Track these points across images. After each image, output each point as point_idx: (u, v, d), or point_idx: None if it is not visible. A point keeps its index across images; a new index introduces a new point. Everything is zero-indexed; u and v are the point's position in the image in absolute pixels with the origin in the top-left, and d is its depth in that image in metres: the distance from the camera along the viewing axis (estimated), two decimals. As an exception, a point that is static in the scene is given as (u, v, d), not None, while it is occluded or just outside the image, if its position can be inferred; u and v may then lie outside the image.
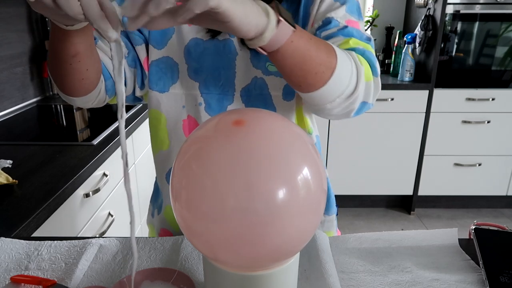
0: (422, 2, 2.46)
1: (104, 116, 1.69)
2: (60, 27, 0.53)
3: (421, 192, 2.66)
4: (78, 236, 1.16)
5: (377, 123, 2.49)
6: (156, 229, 0.88)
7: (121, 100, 0.46)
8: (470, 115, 2.48)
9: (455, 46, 2.45)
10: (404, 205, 2.80)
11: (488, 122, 2.48)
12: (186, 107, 0.75)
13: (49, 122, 1.75)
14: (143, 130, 1.74)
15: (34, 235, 0.89)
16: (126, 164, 0.47)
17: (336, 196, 0.92)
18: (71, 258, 0.66)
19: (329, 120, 2.50)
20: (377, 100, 2.52)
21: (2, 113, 1.73)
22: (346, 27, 0.65)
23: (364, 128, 2.51)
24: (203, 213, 0.43)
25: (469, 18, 2.38)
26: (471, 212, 2.75)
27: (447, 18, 2.39)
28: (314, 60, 0.54)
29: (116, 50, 0.45)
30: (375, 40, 2.79)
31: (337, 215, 0.89)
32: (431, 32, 2.42)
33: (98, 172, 1.28)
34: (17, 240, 0.70)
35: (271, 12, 0.47)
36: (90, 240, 0.70)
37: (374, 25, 2.79)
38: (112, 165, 1.39)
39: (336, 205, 0.89)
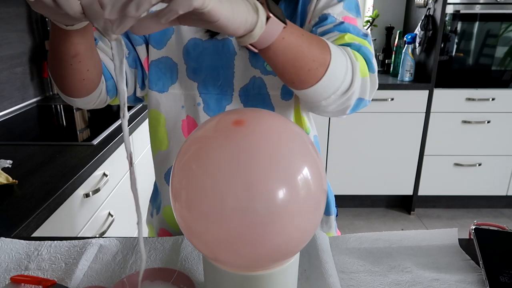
0: (422, 2, 2.46)
1: (104, 116, 1.69)
2: (60, 27, 0.53)
3: (421, 192, 2.66)
4: (78, 236, 1.16)
5: (377, 123, 2.49)
6: (155, 229, 0.89)
7: (123, 99, 0.46)
8: (470, 115, 2.48)
9: (455, 46, 2.45)
10: (404, 205, 2.80)
11: (488, 122, 2.48)
12: (185, 107, 0.75)
13: (49, 122, 1.75)
14: (143, 130, 1.74)
15: (34, 235, 0.89)
16: (131, 164, 0.47)
17: (336, 196, 0.92)
18: (71, 258, 0.66)
19: (329, 120, 2.50)
20: (377, 100, 2.51)
21: (2, 113, 1.73)
22: (342, 23, 0.64)
23: (364, 128, 2.51)
24: (203, 213, 0.43)
25: (469, 18, 2.38)
26: (471, 212, 2.75)
27: (447, 18, 2.39)
28: (307, 56, 0.53)
29: (117, 49, 0.45)
30: (375, 40, 2.79)
31: (337, 216, 0.89)
32: (431, 32, 2.42)
33: (98, 172, 1.28)
34: (17, 240, 0.70)
35: (261, 8, 0.46)
36: (90, 240, 0.70)
37: (374, 25, 2.79)
38: (112, 165, 1.39)
39: (336, 206, 0.89)
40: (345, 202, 2.77)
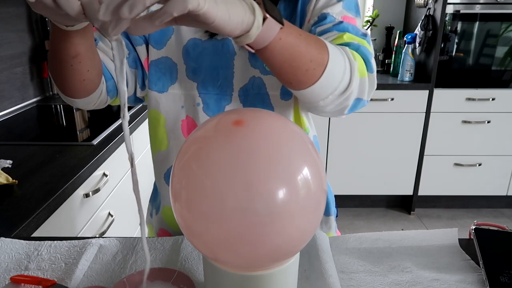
0: (422, 2, 2.46)
1: (104, 116, 1.69)
2: (60, 27, 0.53)
3: (421, 192, 2.66)
4: (78, 236, 1.16)
5: (377, 123, 2.49)
6: (155, 229, 0.89)
7: (124, 99, 0.45)
8: (470, 115, 2.48)
9: (455, 46, 2.45)
10: (404, 205, 2.80)
11: (488, 122, 2.48)
12: (185, 107, 0.75)
13: (49, 122, 1.75)
14: (143, 130, 1.74)
15: (34, 235, 0.89)
16: (132, 165, 0.46)
17: (336, 196, 0.92)
18: (71, 258, 0.65)
19: (329, 120, 2.50)
20: (377, 100, 2.51)
21: (2, 113, 1.73)
22: (341, 22, 0.64)
23: (364, 128, 2.51)
24: (203, 213, 0.43)
25: (469, 18, 2.38)
26: (471, 212, 2.75)
27: (447, 18, 2.39)
28: (304, 56, 0.53)
29: (117, 49, 0.45)
30: (374, 40, 2.79)
31: (336, 216, 0.89)
32: (431, 32, 2.42)
33: (98, 172, 1.28)
34: (17, 240, 0.70)
35: (257, 9, 0.46)
36: (90, 240, 0.70)
37: (374, 25, 2.79)
38: (112, 165, 1.39)
39: (336, 207, 0.88)
40: (345, 202, 2.76)
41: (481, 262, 0.63)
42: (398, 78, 2.53)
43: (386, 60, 2.75)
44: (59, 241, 0.69)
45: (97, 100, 0.73)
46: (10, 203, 0.94)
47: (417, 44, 2.48)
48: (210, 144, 0.44)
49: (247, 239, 0.42)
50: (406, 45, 2.48)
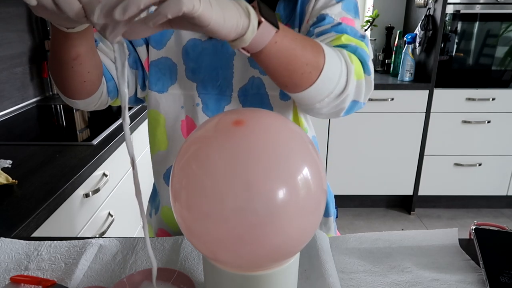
0: (422, 2, 2.46)
1: (104, 116, 1.69)
2: (61, 29, 0.53)
3: (421, 192, 2.66)
4: (78, 236, 1.16)
5: (377, 123, 2.49)
6: (154, 229, 0.89)
7: (125, 102, 0.45)
8: (470, 115, 2.48)
9: (455, 46, 2.45)
10: (404, 205, 2.80)
11: (488, 122, 2.48)
12: (184, 108, 0.75)
13: (49, 122, 1.75)
14: (143, 131, 1.74)
15: (34, 235, 0.89)
16: (133, 167, 0.46)
17: (336, 196, 0.91)
18: (71, 258, 0.65)
19: (329, 120, 2.50)
20: (377, 100, 2.50)
21: (2, 113, 1.72)
22: (340, 24, 0.64)
23: (364, 128, 2.51)
24: (203, 213, 0.43)
25: (469, 18, 2.38)
26: (471, 212, 2.75)
27: (447, 18, 2.39)
28: (300, 60, 0.53)
29: (119, 51, 0.44)
30: (375, 40, 2.79)
31: (336, 217, 0.88)
32: (431, 32, 2.41)
33: (98, 172, 1.28)
34: (17, 240, 0.70)
35: (252, 12, 0.46)
36: (90, 240, 0.70)
37: (374, 25, 2.79)
38: (112, 165, 1.39)
39: (336, 208, 0.88)
40: (345, 202, 2.76)
41: (481, 262, 0.63)
42: (398, 78, 2.53)
43: (386, 60, 2.75)
44: (59, 241, 0.69)
45: (97, 101, 0.73)
46: (10, 203, 0.94)
47: (417, 44, 2.48)
48: (210, 144, 0.44)
49: (247, 239, 0.42)
50: (406, 45, 2.48)
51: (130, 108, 1.77)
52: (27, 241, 0.69)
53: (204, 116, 0.74)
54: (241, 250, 0.44)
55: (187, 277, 0.59)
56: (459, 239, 0.71)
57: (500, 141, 2.53)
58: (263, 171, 0.41)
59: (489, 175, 2.60)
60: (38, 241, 0.69)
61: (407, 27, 2.78)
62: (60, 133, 1.60)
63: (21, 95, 1.87)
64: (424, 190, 2.65)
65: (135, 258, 0.66)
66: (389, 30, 2.79)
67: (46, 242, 0.69)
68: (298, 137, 0.46)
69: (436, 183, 2.63)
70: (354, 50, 0.61)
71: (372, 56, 0.65)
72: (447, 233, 0.71)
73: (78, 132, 1.59)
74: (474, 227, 0.70)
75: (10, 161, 1.13)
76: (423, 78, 2.50)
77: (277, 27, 0.48)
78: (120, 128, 1.50)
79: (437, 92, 2.43)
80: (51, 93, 2.09)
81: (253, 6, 0.47)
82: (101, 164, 1.26)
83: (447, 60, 2.46)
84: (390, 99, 2.44)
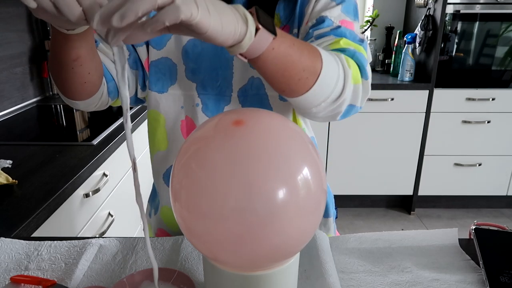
0: (422, 2, 2.46)
1: (104, 116, 1.69)
2: (61, 31, 0.53)
3: (421, 192, 2.66)
4: (78, 236, 1.16)
5: (377, 123, 2.49)
6: (153, 229, 0.89)
7: (126, 105, 0.45)
8: (470, 115, 2.48)
9: (455, 46, 2.45)
10: (404, 205, 2.80)
11: (488, 122, 2.48)
12: (184, 108, 0.75)
13: (49, 122, 1.75)
14: (143, 131, 1.74)
15: (34, 235, 0.89)
16: (134, 169, 0.46)
17: (336, 196, 0.91)
18: (71, 258, 0.66)
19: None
20: (377, 100, 2.50)
21: (2, 113, 1.72)
22: (339, 27, 0.64)
23: (364, 128, 2.51)
24: (203, 213, 0.43)
25: (469, 18, 2.38)
26: (471, 212, 2.75)
27: (447, 18, 2.39)
28: (297, 66, 0.53)
29: (118, 55, 0.45)
30: (375, 40, 2.79)
31: (336, 218, 0.88)
32: (431, 32, 2.41)
33: (98, 172, 1.28)
34: (17, 240, 0.70)
35: (250, 19, 0.46)
36: (90, 240, 0.70)
37: (374, 25, 2.79)
38: (112, 165, 1.39)
39: (336, 208, 0.88)
40: (345, 202, 2.76)
41: (481, 262, 0.63)
42: (398, 78, 2.53)
43: (386, 60, 2.75)
44: (59, 241, 0.69)
45: (98, 101, 0.73)
46: (10, 203, 0.94)
47: (417, 44, 2.48)
48: (210, 144, 0.44)
49: (247, 239, 0.42)
50: (406, 45, 2.48)
51: (130, 109, 1.77)
52: (27, 241, 0.69)
53: (204, 116, 0.74)
54: (241, 250, 0.44)
55: (187, 277, 0.59)
56: (459, 239, 0.71)
57: (500, 141, 2.53)
58: (263, 171, 0.41)
59: (489, 175, 2.60)
60: (38, 241, 0.70)
61: (407, 27, 2.78)
62: (60, 133, 1.60)
63: (21, 95, 1.87)
64: (424, 190, 2.65)
65: (135, 258, 0.66)
66: (389, 30, 2.79)
67: (46, 242, 0.69)
68: (298, 137, 0.46)
69: (436, 183, 2.63)
70: (352, 55, 0.61)
71: (370, 59, 0.65)
72: (447, 233, 0.71)
73: (78, 132, 1.59)
74: (474, 227, 0.70)
75: (10, 161, 1.13)
76: (423, 78, 2.50)
77: (275, 33, 0.48)
78: (120, 128, 1.50)
79: (437, 92, 2.43)
80: (51, 93, 2.09)
81: (251, 12, 0.47)
82: (101, 164, 1.26)
83: (447, 60, 2.46)
84: (390, 99, 2.44)
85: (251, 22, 0.45)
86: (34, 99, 1.98)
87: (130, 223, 1.65)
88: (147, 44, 0.75)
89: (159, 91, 0.75)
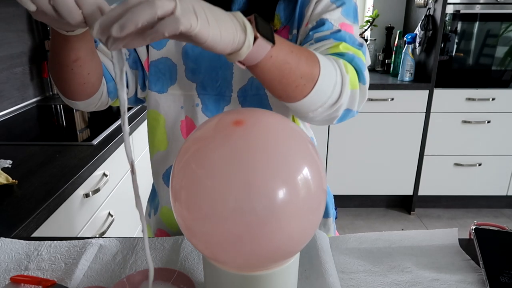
0: (422, 2, 2.46)
1: (104, 116, 1.69)
2: (60, 33, 0.53)
3: (421, 192, 2.66)
4: (78, 236, 1.16)
5: (377, 123, 2.49)
6: (153, 229, 0.89)
7: (124, 108, 0.46)
8: (470, 115, 2.48)
9: (455, 46, 2.45)
10: (404, 205, 2.80)
11: (488, 122, 2.48)
12: (184, 108, 0.75)
13: (49, 122, 1.75)
14: (143, 131, 1.74)
15: (34, 235, 0.89)
16: (133, 171, 0.46)
17: (336, 196, 0.91)
18: (71, 258, 0.65)
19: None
20: (377, 100, 2.50)
21: (2, 113, 1.72)
22: (339, 31, 0.64)
23: (364, 128, 2.51)
24: (203, 213, 0.43)
25: (469, 18, 2.38)
26: (471, 212, 2.75)
27: (447, 18, 2.39)
28: (295, 73, 0.53)
29: (117, 58, 0.45)
30: (375, 40, 2.79)
31: (336, 218, 0.88)
32: (431, 32, 2.41)
33: (98, 172, 1.28)
34: (17, 240, 0.70)
35: (249, 27, 0.46)
36: (90, 240, 0.70)
37: (374, 25, 2.79)
38: (112, 165, 1.39)
39: (335, 209, 0.88)
40: (345, 202, 2.76)
41: (481, 262, 0.63)
42: (398, 78, 2.53)
43: (386, 60, 2.75)
44: (59, 241, 0.69)
45: (98, 101, 0.73)
46: (10, 203, 0.94)
47: (417, 44, 2.48)
48: (210, 144, 0.44)
49: (247, 239, 0.42)
50: (406, 45, 2.48)
51: (130, 109, 1.77)
52: (27, 241, 0.69)
53: (204, 116, 0.74)
54: (241, 250, 0.44)
55: (187, 277, 0.59)
56: (459, 239, 0.71)
57: (500, 141, 2.53)
58: (263, 171, 0.41)
59: (489, 175, 2.60)
60: (38, 241, 0.69)
61: (407, 27, 2.78)
62: (60, 133, 1.60)
63: (21, 95, 1.87)
64: (424, 190, 2.65)
65: (135, 258, 0.66)
66: (389, 30, 2.79)
67: (46, 242, 0.69)
68: (298, 137, 0.46)
69: (436, 183, 2.63)
70: (351, 60, 0.61)
71: (369, 63, 0.66)
72: (447, 233, 0.71)
73: (78, 132, 1.59)
74: (474, 227, 0.70)
75: (10, 161, 1.13)
76: (423, 78, 2.50)
77: (273, 42, 0.49)
78: (120, 129, 1.50)
79: (437, 92, 2.43)
80: (51, 93, 2.09)
81: (249, 20, 0.47)
82: (101, 164, 1.26)
83: (447, 60, 2.46)
84: (390, 99, 2.43)
85: (250, 31, 0.46)
86: (34, 99, 1.98)
87: (130, 223, 1.65)
88: (147, 44, 0.75)
89: (159, 91, 0.75)
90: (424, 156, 2.57)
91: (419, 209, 2.77)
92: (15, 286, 0.60)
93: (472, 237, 0.69)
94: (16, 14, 1.83)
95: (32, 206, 0.92)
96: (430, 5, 2.42)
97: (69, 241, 0.70)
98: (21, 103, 1.87)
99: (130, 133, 1.62)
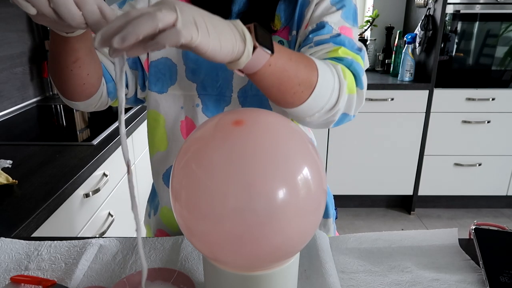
0: (422, 2, 2.46)
1: (104, 116, 1.69)
2: (60, 34, 0.53)
3: (421, 192, 2.66)
4: (78, 236, 1.16)
5: (377, 123, 2.49)
6: (153, 230, 0.89)
7: (121, 107, 0.46)
8: (470, 115, 2.48)
9: (455, 46, 2.45)
10: (404, 205, 2.80)
11: (488, 122, 2.48)
12: (184, 108, 0.75)
13: (49, 122, 1.75)
14: (143, 131, 1.74)
15: (34, 235, 0.89)
16: (128, 171, 0.46)
17: (336, 196, 0.91)
18: (71, 258, 0.66)
19: (329, 120, 2.49)
20: (377, 100, 2.50)
21: (2, 113, 1.72)
22: (339, 35, 0.64)
23: (364, 128, 2.51)
24: (203, 213, 0.43)
25: (469, 18, 2.38)
26: (471, 212, 2.75)
27: (447, 18, 2.39)
28: (293, 80, 0.53)
29: (118, 58, 0.45)
30: (375, 40, 2.79)
31: (336, 218, 0.88)
32: (431, 32, 2.41)
33: (98, 172, 1.28)
34: (17, 240, 0.70)
35: (248, 37, 0.46)
36: (90, 240, 0.70)
37: (374, 25, 2.79)
38: (112, 165, 1.39)
39: (335, 209, 0.88)
40: (345, 202, 2.76)
41: (481, 262, 0.63)
42: (398, 78, 2.53)
43: (386, 60, 2.75)
44: (59, 241, 0.69)
45: (97, 102, 0.73)
46: (10, 203, 0.94)
47: (417, 44, 2.48)
48: (210, 144, 0.44)
49: (247, 239, 0.42)
50: (406, 45, 2.48)
51: (129, 109, 1.77)
52: (27, 241, 0.69)
53: (204, 116, 0.74)
54: (241, 250, 0.44)
55: (187, 277, 0.59)
56: (459, 239, 0.71)
57: (500, 141, 2.53)
58: (263, 171, 0.41)
59: (489, 175, 2.60)
60: (38, 241, 0.69)
61: (407, 27, 2.78)
62: (60, 133, 1.60)
63: (21, 95, 1.87)
64: (424, 190, 2.65)
65: (135, 258, 0.66)
66: (389, 30, 2.79)
67: (46, 242, 0.69)
68: (298, 137, 0.46)
69: (436, 183, 2.63)
70: (349, 65, 0.61)
71: (368, 66, 0.66)
72: (447, 233, 0.71)
73: (78, 132, 1.59)
74: (474, 227, 0.70)
75: (10, 161, 1.13)
76: (423, 78, 2.50)
77: (272, 51, 0.49)
78: (120, 128, 1.50)
79: (437, 92, 2.43)
80: (51, 93, 2.09)
81: (249, 28, 0.47)
82: (101, 164, 1.26)
83: (447, 60, 2.46)
84: (390, 99, 2.44)
85: (249, 41, 0.46)
86: (34, 99, 1.98)
87: (130, 223, 1.65)
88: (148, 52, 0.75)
89: (159, 91, 0.75)
90: (424, 156, 2.57)
91: (419, 209, 2.77)
92: (15, 286, 0.60)
93: (472, 237, 0.69)
94: (16, 14, 1.83)
95: (32, 206, 0.92)
96: (430, 5, 2.42)
97: (69, 241, 0.70)
98: (21, 103, 1.87)
99: (130, 133, 1.62)
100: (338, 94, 0.58)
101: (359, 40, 2.76)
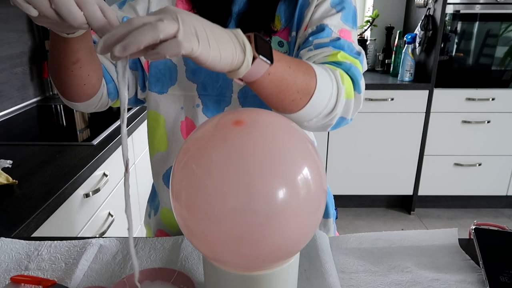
0: (422, 2, 2.46)
1: (104, 116, 1.69)
2: (60, 35, 0.53)
3: (421, 192, 2.66)
4: (78, 236, 1.16)
5: (377, 123, 2.49)
6: (153, 230, 0.89)
7: (124, 105, 0.46)
8: (470, 115, 2.48)
9: (455, 46, 2.45)
10: (404, 205, 2.80)
11: (488, 122, 2.48)
12: (184, 109, 0.75)
13: (49, 122, 1.75)
14: (143, 131, 1.74)
15: (34, 235, 0.89)
16: (126, 169, 0.47)
17: (336, 196, 0.91)
18: (71, 258, 0.66)
19: (329, 120, 2.49)
20: (377, 100, 2.50)
21: (2, 113, 1.73)
22: (338, 39, 0.65)
23: (364, 128, 2.51)
24: (203, 213, 0.43)
25: (469, 18, 2.38)
26: (471, 212, 2.75)
27: (447, 18, 2.39)
28: (291, 88, 0.54)
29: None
30: (375, 40, 2.79)
31: (336, 218, 0.88)
32: (431, 32, 2.41)
33: (98, 172, 1.28)
34: (17, 240, 0.70)
35: (248, 48, 0.46)
36: (90, 240, 0.70)
37: (374, 25, 2.79)
38: (112, 165, 1.39)
39: (335, 209, 0.88)
40: (345, 202, 2.76)
41: (481, 262, 0.63)
42: (398, 78, 2.53)
43: (386, 60, 2.75)
44: (59, 241, 0.69)
45: (98, 103, 0.73)
46: (10, 203, 0.94)
47: (417, 44, 2.48)
48: (210, 144, 0.44)
49: (247, 239, 0.42)
50: (406, 45, 2.48)
51: (129, 109, 1.77)
52: (27, 241, 0.69)
53: (204, 117, 0.74)
54: (241, 250, 0.44)
55: (187, 277, 0.59)
56: (459, 239, 0.71)
57: (500, 141, 2.53)
58: (263, 171, 0.41)
59: (489, 175, 2.60)
60: (38, 241, 0.70)
61: (407, 27, 2.78)
62: (60, 133, 1.60)
63: (21, 95, 1.87)
64: (424, 190, 2.65)
65: (135, 258, 0.66)
66: (389, 30, 2.79)
67: (46, 242, 0.69)
68: (298, 137, 0.46)
69: (436, 183, 2.63)
70: (347, 69, 0.62)
71: (366, 68, 0.67)
72: (447, 233, 0.71)
73: (78, 132, 1.59)
74: (474, 227, 0.70)
75: (10, 161, 1.13)
76: (423, 78, 2.50)
77: (272, 61, 0.49)
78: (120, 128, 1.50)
79: (437, 92, 2.43)
80: (51, 93, 2.09)
81: (249, 37, 0.47)
82: (101, 164, 1.26)
83: (447, 60, 2.46)
84: (390, 99, 2.44)
85: (249, 51, 0.46)
86: (34, 99, 1.98)
87: (130, 223, 1.65)
88: None
89: (159, 91, 0.75)
90: (424, 156, 2.57)
91: (419, 209, 2.77)
92: (15, 286, 0.60)
93: (472, 237, 0.69)
94: (16, 14, 1.83)
95: (32, 206, 0.92)
96: (430, 5, 2.42)
97: (69, 241, 0.70)
98: (21, 103, 1.87)
99: (130, 133, 1.62)
100: (336, 99, 0.59)
101: (359, 40, 2.77)
